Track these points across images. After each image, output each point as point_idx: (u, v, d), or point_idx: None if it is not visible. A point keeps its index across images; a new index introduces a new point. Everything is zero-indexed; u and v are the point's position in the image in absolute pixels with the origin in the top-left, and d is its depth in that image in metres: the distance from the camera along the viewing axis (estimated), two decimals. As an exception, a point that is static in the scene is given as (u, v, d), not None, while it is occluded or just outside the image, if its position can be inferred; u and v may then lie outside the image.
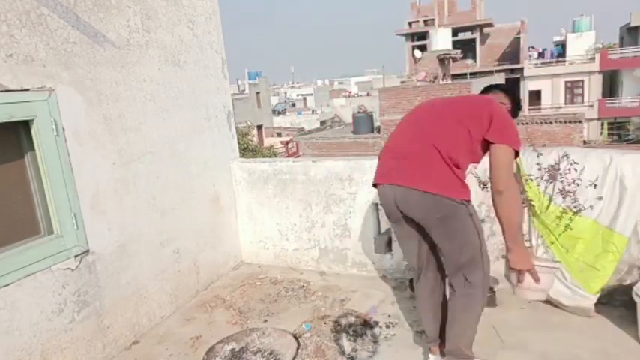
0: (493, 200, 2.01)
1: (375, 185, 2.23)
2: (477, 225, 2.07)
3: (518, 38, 32.24)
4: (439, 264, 2.26)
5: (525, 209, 2.81)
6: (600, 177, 2.60)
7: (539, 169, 2.72)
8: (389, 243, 3.48)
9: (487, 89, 2.42)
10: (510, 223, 1.98)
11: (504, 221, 2.00)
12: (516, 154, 2.04)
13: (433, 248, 2.21)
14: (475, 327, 2.15)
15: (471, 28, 33.50)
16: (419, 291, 2.36)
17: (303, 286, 3.48)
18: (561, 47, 31.53)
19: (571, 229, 2.61)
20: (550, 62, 31.04)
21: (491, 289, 2.91)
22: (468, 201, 2.05)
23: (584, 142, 19.73)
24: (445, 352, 2.23)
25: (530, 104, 30.15)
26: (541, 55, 32.83)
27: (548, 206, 2.67)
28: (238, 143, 4.23)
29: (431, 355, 2.36)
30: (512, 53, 32.79)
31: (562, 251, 2.65)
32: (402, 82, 25.29)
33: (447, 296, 2.23)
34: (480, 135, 2.03)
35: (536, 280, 2.03)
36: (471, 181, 2.16)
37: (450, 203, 2.00)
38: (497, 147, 1.99)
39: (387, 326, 2.78)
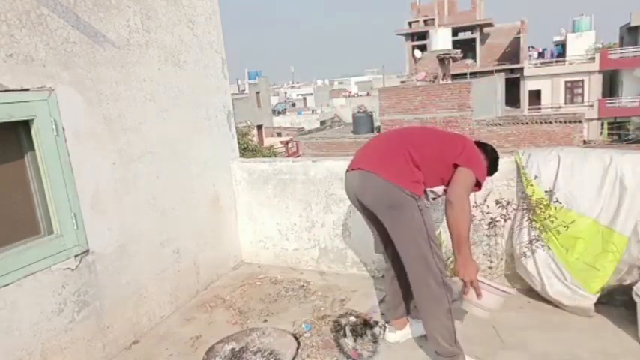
0: (445, 210, 2.17)
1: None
2: (425, 220, 2.19)
3: (518, 38, 32.26)
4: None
5: (525, 212, 2.82)
6: (600, 177, 2.60)
7: (539, 169, 2.72)
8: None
9: None
10: (457, 233, 2.14)
11: (452, 230, 2.15)
12: (478, 185, 2.25)
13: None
14: (447, 322, 2.22)
15: (471, 28, 33.51)
16: (385, 274, 2.63)
17: (303, 285, 3.48)
18: (561, 47, 31.55)
19: (569, 228, 2.61)
20: (550, 62, 31.06)
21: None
22: (419, 196, 2.19)
23: (584, 142, 19.72)
24: (434, 353, 2.33)
25: (530, 104, 30.17)
26: (541, 54, 32.85)
27: (548, 205, 2.67)
28: (238, 143, 4.23)
29: (389, 330, 2.62)
30: (512, 53, 32.81)
31: (562, 251, 2.65)
32: (402, 81, 25.30)
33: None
34: (451, 159, 2.23)
35: (478, 295, 2.18)
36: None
37: (398, 192, 2.16)
38: (461, 169, 2.20)
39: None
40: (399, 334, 2.61)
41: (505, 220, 2.99)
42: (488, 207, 3.02)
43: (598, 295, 2.60)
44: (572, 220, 2.61)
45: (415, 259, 2.21)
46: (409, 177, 2.18)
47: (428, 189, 2.27)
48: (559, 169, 2.69)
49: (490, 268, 3.12)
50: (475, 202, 2.97)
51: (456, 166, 2.21)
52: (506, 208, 2.96)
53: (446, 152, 2.26)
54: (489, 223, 3.06)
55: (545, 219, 2.68)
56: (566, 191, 2.64)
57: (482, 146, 2.52)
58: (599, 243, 2.57)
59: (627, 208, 2.52)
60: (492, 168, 2.51)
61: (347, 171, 2.39)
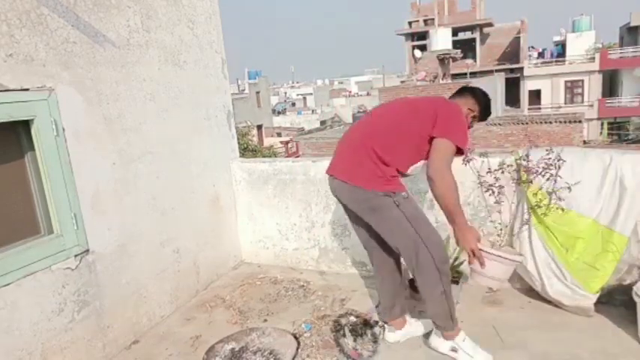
0: (429, 186, 2.19)
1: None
2: (406, 213, 2.21)
3: (518, 38, 32.27)
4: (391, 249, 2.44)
5: (527, 210, 2.82)
6: (600, 177, 2.60)
7: (539, 168, 2.72)
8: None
9: (458, 92, 2.57)
10: (445, 206, 2.16)
11: (440, 203, 2.18)
12: (460, 151, 2.22)
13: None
14: (446, 304, 2.28)
15: (471, 28, 33.51)
16: (375, 276, 2.68)
17: (303, 285, 3.48)
18: (561, 47, 31.55)
19: (569, 228, 2.61)
20: (550, 62, 31.07)
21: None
22: (394, 192, 2.21)
23: (584, 141, 19.74)
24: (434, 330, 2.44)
25: (530, 104, 30.17)
26: (541, 54, 32.85)
27: (548, 205, 2.67)
28: (238, 143, 4.23)
29: (388, 330, 2.63)
30: (512, 53, 32.82)
31: (562, 251, 2.65)
32: (402, 81, 25.30)
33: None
34: (426, 133, 2.20)
35: (482, 264, 2.18)
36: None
37: (372, 195, 2.20)
38: (437, 140, 2.16)
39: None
40: (399, 334, 2.61)
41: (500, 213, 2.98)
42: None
43: (598, 294, 2.60)
44: (572, 220, 2.61)
45: (405, 250, 2.26)
46: (379, 177, 2.20)
47: (408, 171, 2.29)
48: (557, 171, 2.69)
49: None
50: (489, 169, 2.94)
51: (432, 138, 2.18)
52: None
53: (417, 129, 2.22)
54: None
55: (545, 218, 2.68)
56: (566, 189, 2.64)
57: (471, 92, 2.49)
58: (599, 243, 2.57)
59: (627, 208, 2.52)
60: (484, 112, 2.49)
61: (327, 172, 2.42)
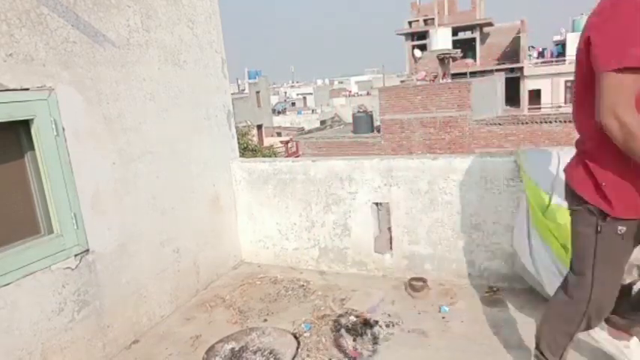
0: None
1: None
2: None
3: (518, 37, 32.22)
4: None
5: (527, 210, 2.82)
6: None
7: (539, 169, 2.72)
8: (389, 242, 3.49)
9: None
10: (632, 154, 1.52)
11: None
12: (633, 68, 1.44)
13: None
14: (560, 339, 1.97)
15: (470, 28, 33.48)
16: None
17: (303, 285, 3.48)
18: (561, 46, 31.52)
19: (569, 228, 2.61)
20: (550, 61, 31.04)
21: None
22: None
23: (584, 141, 19.65)
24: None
25: (530, 104, 30.13)
26: (541, 54, 32.83)
27: (548, 205, 2.67)
28: (238, 143, 4.23)
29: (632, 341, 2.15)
30: (512, 52, 32.78)
31: (562, 251, 2.64)
32: (402, 81, 25.27)
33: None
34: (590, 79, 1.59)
35: None
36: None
37: None
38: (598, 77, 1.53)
39: (387, 325, 2.78)
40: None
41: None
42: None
43: None
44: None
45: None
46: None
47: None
48: (559, 168, 2.69)
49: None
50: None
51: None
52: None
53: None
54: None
55: (544, 218, 2.68)
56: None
57: None
58: None
59: None
60: None
61: None
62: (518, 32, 32.37)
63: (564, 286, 1.97)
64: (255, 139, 27.27)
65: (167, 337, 2.91)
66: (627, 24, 1.46)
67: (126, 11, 2.83)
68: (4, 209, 2.30)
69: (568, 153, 2.71)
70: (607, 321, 2.14)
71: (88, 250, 2.59)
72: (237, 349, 2.66)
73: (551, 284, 2.70)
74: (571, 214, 1.86)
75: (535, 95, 30.69)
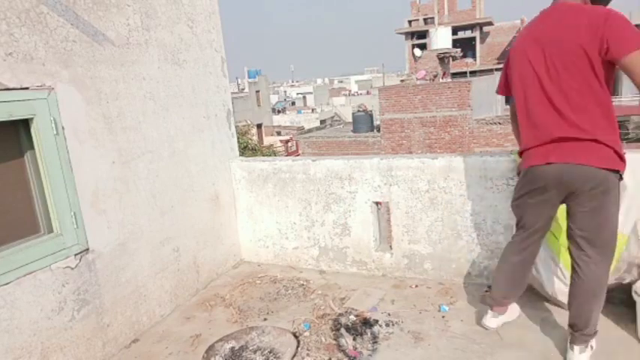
0: None
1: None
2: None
3: (518, 37, 32.20)
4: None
5: None
6: None
7: None
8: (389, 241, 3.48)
9: None
10: None
11: None
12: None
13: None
14: (598, 309, 2.20)
15: (470, 27, 33.49)
16: (512, 248, 2.48)
17: (303, 284, 3.48)
18: (561, 46, 31.48)
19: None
20: (550, 61, 31.00)
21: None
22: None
23: (584, 140, 19.67)
24: (575, 331, 2.25)
25: (530, 103, 30.08)
26: (541, 53, 32.79)
27: None
28: (238, 142, 4.23)
29: (490, 312, 2.60)
30: (512, 52, 32.74)
31: (562, 250, 2.65)
32: (402, 80, 25.26)
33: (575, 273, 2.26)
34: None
35: None
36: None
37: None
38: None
39: (387, 325, 2.78)
40: (501, 319, 2.61)
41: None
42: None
43: None
44: None
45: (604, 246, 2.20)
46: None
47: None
48: None
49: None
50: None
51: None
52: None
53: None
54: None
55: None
56: None
57: None
58: None
59: (627, 207, 2.52)
60: None
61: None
62: (518, 31, 32.35)
63: (589, 263, 2.18)
64: (255, 138, 27.28)
65: (167, 336, 2.91)
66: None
67: (125, 10, 2.83)
68: (4, 208, 2.30)
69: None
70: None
71: (87, 249, 2.59)
72: (237, 348, 2.66)
73: (550, 282, 2.71)
74: (603, 193, 2.11)
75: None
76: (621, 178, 2.15)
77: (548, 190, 2.20)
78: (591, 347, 2.25)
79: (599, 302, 2.21)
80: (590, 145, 2.07)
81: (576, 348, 2.23)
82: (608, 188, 2.10)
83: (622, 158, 2.11)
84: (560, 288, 2.67)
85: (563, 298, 2.67)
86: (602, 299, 2.21)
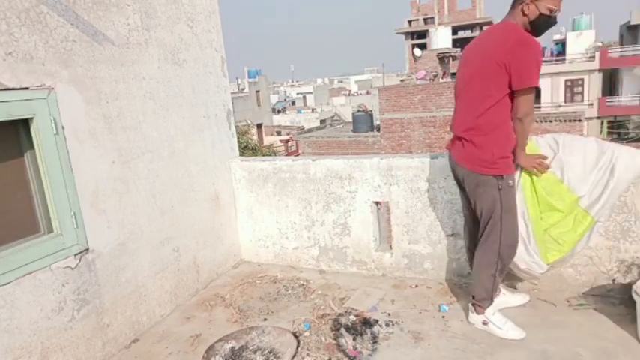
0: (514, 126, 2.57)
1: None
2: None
3: (518, 37, 32.16)
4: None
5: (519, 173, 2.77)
6: (595, 157, 2.62)
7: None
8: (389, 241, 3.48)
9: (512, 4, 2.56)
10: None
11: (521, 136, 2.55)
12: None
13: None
14: (488, 285, 2.58)
15: (470, 27, 33.49)
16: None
17: (303, 284, 3.48)
18: (561, 46, 31.48)
19: (554, 198, 2.64)
20: (550, 61, 31.00)
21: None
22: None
23: (584, 140, 19.64)
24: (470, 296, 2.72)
25: (529, 103, 30.08)
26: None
27: (547, 177, 2.66)
28: (238, 142, 4.23)
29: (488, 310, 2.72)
30: (512, 52, 32.73)
31: (538, 218, 2.64)
32: (402, 80, 25.26)
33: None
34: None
35: (546, 168, 2.60)
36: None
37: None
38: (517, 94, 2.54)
39: (387, 324, 2.78)
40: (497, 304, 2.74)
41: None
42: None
43: (549, 266, 2.69)
44: (561, 193, 2.63)
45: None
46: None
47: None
48: (559, 147, 2.69)
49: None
50: None
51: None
52: None
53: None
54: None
55: (541, 188, 2.67)
56: (563, 163, 2.64)
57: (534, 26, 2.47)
58: (570, 222, 2.63)
59: (607, 196, 2.58)
60: (541, 21, 2.48)
61: None
62: (518, 31, 32.30)
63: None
64: (255, 138, 27.28)
65: (167, 336, 2.91)
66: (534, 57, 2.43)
67: (125, 10, 2.83)
68: (4, 208, 2.30)
69: (567, 135, 2.74)
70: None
71: (87, 249, 2.59)
72: (237, 347, 2.66)
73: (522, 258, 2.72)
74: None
75: (535, 94, 30.65)
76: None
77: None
78: (485, 317, 2.62)
79: (484, 274, 2.60)
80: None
81: (470, 308, 2.71)
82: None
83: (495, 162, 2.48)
84: (520, 253, 2.66)
85: (521, 262, 2.71)
86: (487, 273, 2.58)
